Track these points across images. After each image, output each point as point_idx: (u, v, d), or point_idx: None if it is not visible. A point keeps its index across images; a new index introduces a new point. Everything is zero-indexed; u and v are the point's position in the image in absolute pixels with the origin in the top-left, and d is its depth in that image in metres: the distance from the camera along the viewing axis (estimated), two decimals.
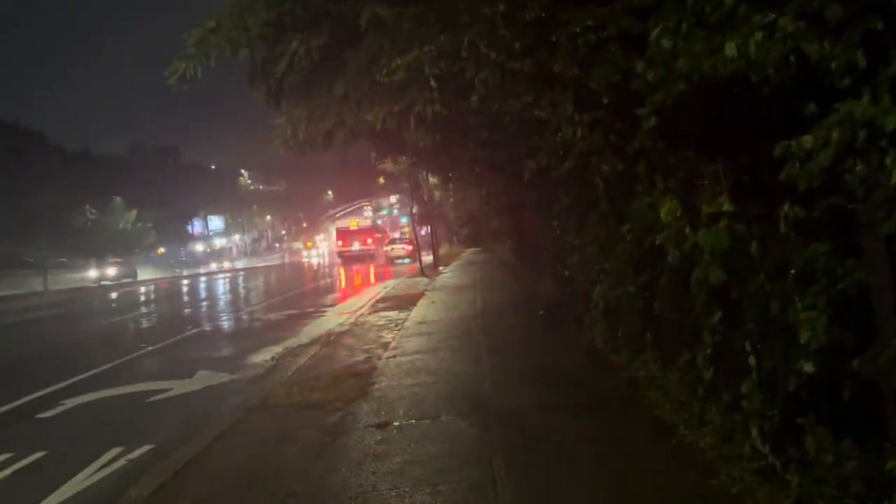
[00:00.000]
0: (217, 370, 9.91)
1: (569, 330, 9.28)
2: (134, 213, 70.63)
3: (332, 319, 14.57)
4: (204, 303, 23.65)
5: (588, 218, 7.46)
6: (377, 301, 16.66)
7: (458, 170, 25.43)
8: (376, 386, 7.26)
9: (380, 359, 8.88)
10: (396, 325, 11.91)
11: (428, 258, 30.36)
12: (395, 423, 5.80)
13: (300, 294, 23.02)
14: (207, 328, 15.06)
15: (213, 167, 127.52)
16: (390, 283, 23.42)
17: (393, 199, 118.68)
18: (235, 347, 12.14)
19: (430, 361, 8.30)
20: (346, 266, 42.71)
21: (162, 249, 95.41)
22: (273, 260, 72.66)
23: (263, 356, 10.86)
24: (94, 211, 65.09)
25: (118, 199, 68.77)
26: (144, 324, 17.89)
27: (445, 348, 9.18)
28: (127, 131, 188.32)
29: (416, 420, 5.88)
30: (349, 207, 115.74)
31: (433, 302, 15.06)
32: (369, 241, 41.42)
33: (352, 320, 13.46)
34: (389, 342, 10.15)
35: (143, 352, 12.14)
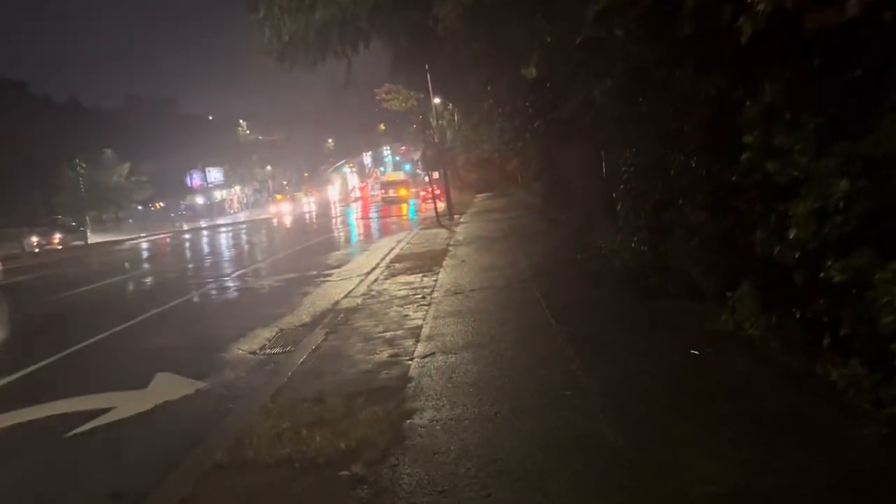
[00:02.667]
0: (182, 372, 7.14)
1: (679, 305, 6.43)
2: (127, 165, 67.65)
3: (340, 286, 11.74)
4: (189, 265, 20.82)
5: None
6: (393, 260, 13.80)
7: (480, 98, 22.23)
8: (416, 421, 4.45)
9: (411, 358, 6.06)
10: (423, 297, 9.07)
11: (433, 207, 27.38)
12: None
13: (302, 251, 20.17)
14: (183, 302, 12.25)
15: (210, 118, 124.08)
16: (404, 235, 20.52)
17: (386, 150, 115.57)
18: (213, 331, 9.34)
19: (489, 367, 5.47)
20: (360, 217, 40.34)
21: (160, 204, 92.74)
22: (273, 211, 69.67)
23: (248, 346, 8.08)
24: (83, 165, 61.90)
25: (109, 152, 65.51)
26: (106, 298, 14.96)
27: (504, 339, 6.33)
28: (124, 84, 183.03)
29: None
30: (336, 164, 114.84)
31: (463, 261, 12.20)
32: (402, 190, 52.49)
33: (363, 288, 10.63)
34: (419, 326, 7.32)
35: (91, 341, 9.35)
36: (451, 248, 14.66)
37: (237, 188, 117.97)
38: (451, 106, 35.28)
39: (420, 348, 6.38)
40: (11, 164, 52.76)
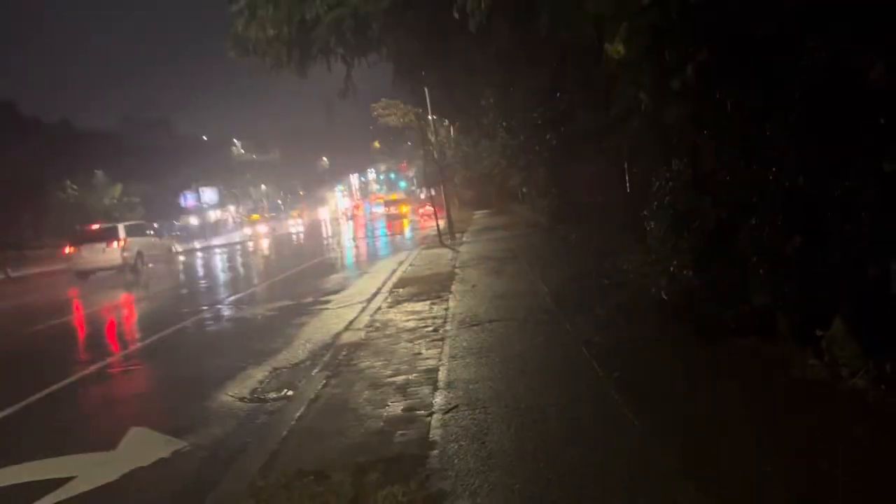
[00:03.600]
0: (160, 425, 6.10)
1: (747, 346, 5.44)
2: (119, 187, 66.77)
3: (340, 316, 10.73)
4: (180, 291, 19.74)
5: None
6: (396, 284, 12.79)
7: (481, 113, 21.36)
8: None
9: (430, 413, 5.04)
10: (434, 330, 8.06)
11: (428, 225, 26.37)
12: None
13: (299, 274, 19.14)
14: (169, 335, 11.18)
15: (205, 138, 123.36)
16: (405, 256, 19.52)
17: (371, 171, 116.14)
18: (200, 371, 8.31)
19: (531, 431, 4.43)
20: (357, 235, 39.52)
21: (155, 225, 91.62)
22: (268, 232, 68.67)
23: (238, 389, 7.05)
24: (74, 187, 60.94)
25: (100, 173, 64.56)
26: (86, 330, 13.93)
27: (542, 391, 5.31)
28: (119, 106, 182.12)
29: None
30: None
31: (473, 286, 11.20)
32: (403, 207, 58.74)
33: (366, 319, 9.60)
34: (435, 368, 6.30)
35: (61, 385, 8.28)
36: (457, 270, 13.66)
37: (231, 208, 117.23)
38: (446, 123, 34.53)
39: (440, 399, 5.36)
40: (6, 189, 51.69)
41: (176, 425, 6.05)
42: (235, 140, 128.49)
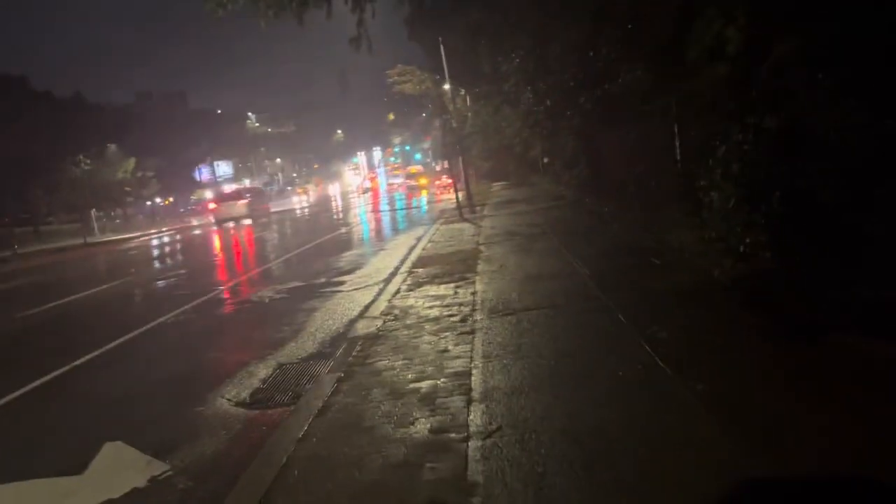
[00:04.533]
0: (140, 438, 5.14)
1: (866, 348, 4.32)
2: (132, 161, 66.15)
3: (354, 300, 9.71)
4: (185, 271, 18.79)
5: None
6: (415, 264, 11.72)
7: (502, 78, 20.05)
8: None
9: (466, 437, 4.00)
10: (462, 320, 7.00)
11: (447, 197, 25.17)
12: None
13: (312, 251, 18.13)
14: (168, 322, 10.21)
15: (219, 111, 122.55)
16: (423, 232, 18.42)
17: (398, 139, 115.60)
18: (195, 366, 7.34)
19: (606, 473, 3.38)
20: (374, 209, 38.36)
21: (170, 199, 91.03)
22: (284, 205, 67.82)
23: (236, 391, 6.08)
24: (88, 161, 60.29)
25: (113, 147, 63.88)
26: (76, 317, 12.31)
27: (607, 405, 4.22)
28: (136, 80, 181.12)
29: None
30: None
31: (501, 265, 10.10)
32: (421, 179, 59.77)
33: (383, 304, 8.55)
34: (467, 371, 5.25)
35: (34, 386, 7.34)
36: (482, 247, 12.55)
37: (246, 182, 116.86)
38: (463, 92, 33.12)
39: (476, 416, 4.31)
40: (9, 160, 51.07)
41: (160, 438, 5.09)
42: (250, 114, 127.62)
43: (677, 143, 9.09)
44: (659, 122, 9.70)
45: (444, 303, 8.05)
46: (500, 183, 45.53)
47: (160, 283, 15.22)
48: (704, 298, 6.29)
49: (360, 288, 10.68)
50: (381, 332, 7.05)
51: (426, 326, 6.99)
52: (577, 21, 9.82)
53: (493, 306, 7.41)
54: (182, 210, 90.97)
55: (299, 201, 68.03)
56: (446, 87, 27.85)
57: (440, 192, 42.29)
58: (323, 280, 12.01)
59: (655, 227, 10.17)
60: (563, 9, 9.39)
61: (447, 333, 6.56)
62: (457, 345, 6.10)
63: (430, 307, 7.94)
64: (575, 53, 11.48)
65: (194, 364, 7.45)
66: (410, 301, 8.51)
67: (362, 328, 7.47)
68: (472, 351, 5.83)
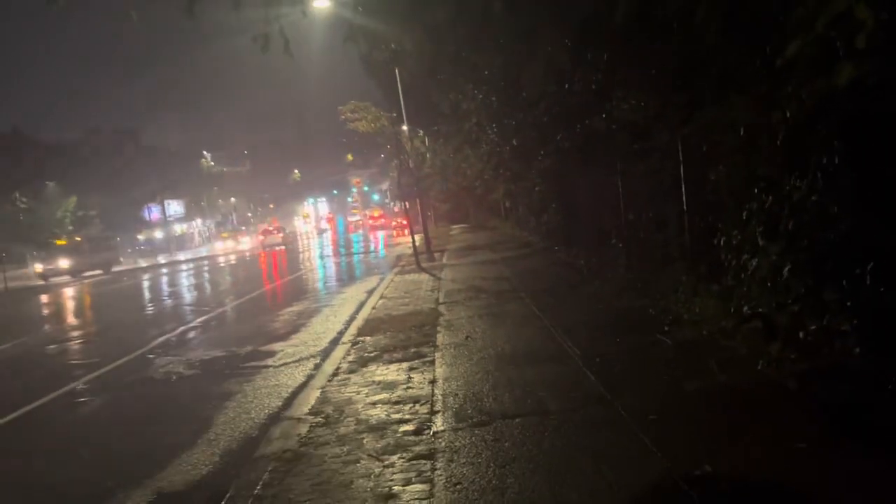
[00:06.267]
0: None
1: None
2: (73, 199, 62.89)
3: (280, 383, 7.63)
4: (91, 329, 16.32)
5: None
6: (362, 329, 9.70)
7: (462, 117, 18.38)
8: None
9: None
10: (416, 432, 5.00)
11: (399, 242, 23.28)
12: None
13: (244, 305, 15.95)
14: (29, 415, 7.93)
15: (172, 150, 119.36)
16: (376, 283, 16.39)
17: (356, 179, 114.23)
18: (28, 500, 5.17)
19: None
20: (329, 251, 36.44)
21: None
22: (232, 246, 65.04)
23: None
24: (24, 199, 57.04)
25: (52, 185, 60.65)
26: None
27: None
28: (90, 118, 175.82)
29: None
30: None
31: (467, 337, 8.15)
32: (381, 219, 67.04)
33: (314, 397, 6.48)
34: None
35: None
36: (442, 307, 10.62)
37: (198, 221, 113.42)
38: (421, 133, 31.60)
39: None
40: None
41: None
42: (206, 152, 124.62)
43: (683, 189, 7.37)
44: (658, 163, 7.99)
45: (394, 396, 6.06)
46: (459, 226, 44.05)
47: (54, 347, 12.69)
48: (765, 410, 4.43)
49: (290, 363, 8.60)
50: (302, 449, 5.01)
51: (366, 441, 4.97)
52: (555, 41, 8.17)
53: (459, 407, 5.45)
54: (129, 250, 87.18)
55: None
56: (404, 127, 26.25)
57: (398, 233, 41.42)
58: (249, 349, 9.88)
59: (652, 289, 8.39)
60: (539, 25, 7.70)
61: (395, 458, 4.55)
62: (408, 483, 4.11)
63: (375, 403, 5.93)
64: (551, 82, 9.81)
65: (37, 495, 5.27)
66: (350, 390, 6.49)
67: (279, 438, 5.40)
68: (430, 494, 3.86)
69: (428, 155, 27.10)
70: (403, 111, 23.39)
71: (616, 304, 8.58)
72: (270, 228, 57.32)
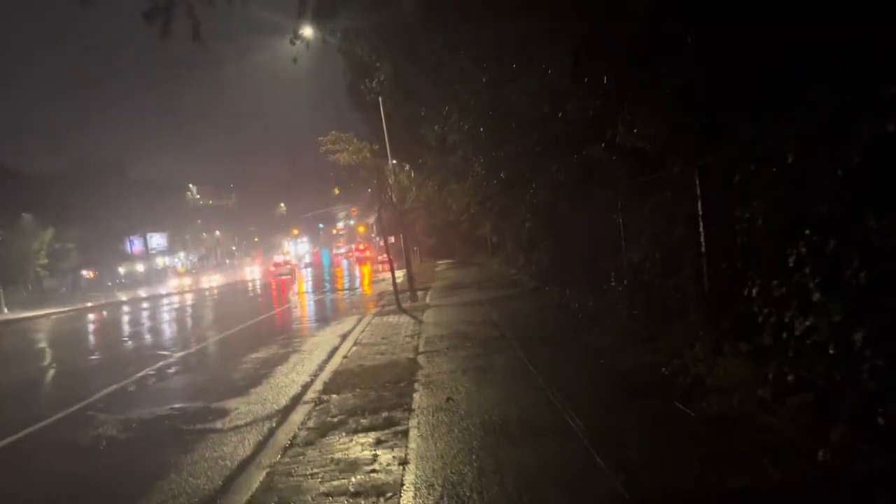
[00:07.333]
0: None
1: None
2: (51, 231, 61.22)
3: (225, 456, 6.37)
4: (40, 376, 14.92)
5: None
6: (328, 384, 8.47)
7: (448, 150, 17.45)
8: None
9: None
10: None
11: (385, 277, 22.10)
12: None
13: (209, 348, 14.68)
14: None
15: (158, 182, 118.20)
16: (352, 325, 15.14)
17: (342, 213, 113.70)
18: None
19: None
20: (311, 289, 35.04)
21: (91, 273, 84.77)
22: (215, 280, 63.49)
23: None
24: None
25: (28, 217, 59.07)
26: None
27: None
28: (80, 150, 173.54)
29: None
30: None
31: (449, 399, 6.94)
32: (367, 252, 68.23)
33: (258, 480, 5.26)
34: None
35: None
36: (421, 358, 9.41)
37: (181, 254, 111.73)
38: (407, 167, 30.70)
39: None
40: None
41: None
42: (191, 185, 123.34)
43: (702, 228, 6.29)
44: (669, 197, 6.93)
45: (354, 482, 4.85)
46: (445, 261, 42.90)
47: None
48: None
49: (242, 426, 7.35)
50: None
51: None
52: (552, 60, 7.17)
53: None
54: (109, 284, 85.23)
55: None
56: (391, 161, 25.29)
57: (383, 267, 40.70)
58: (200, 405, 8.62)
59: (662, 343, 7.27)
60: (527, 44, 6.71)
61: None
62: None
63: (329, 493, 4.71)
64: (545, 106, 8.78)
65: None
66: (302, 471, 5.26)
67: None
68: None
69: (413, 189, 26.04)
70: (387, 143, 22.38)
71: (621, 360, 7.42)
72: (281, 262, 61.25)
